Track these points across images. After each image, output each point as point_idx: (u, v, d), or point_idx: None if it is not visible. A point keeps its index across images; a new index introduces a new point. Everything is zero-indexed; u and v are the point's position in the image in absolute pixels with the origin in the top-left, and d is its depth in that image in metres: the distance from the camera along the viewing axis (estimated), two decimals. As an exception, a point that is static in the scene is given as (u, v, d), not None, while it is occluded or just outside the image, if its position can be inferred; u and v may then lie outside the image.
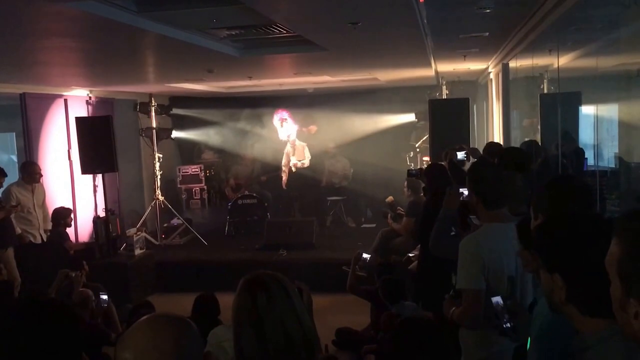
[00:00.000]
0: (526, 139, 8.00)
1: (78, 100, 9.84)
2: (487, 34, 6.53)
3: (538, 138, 8.07)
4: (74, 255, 7.85)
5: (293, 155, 11.03)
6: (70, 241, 8.51)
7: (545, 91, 8.84)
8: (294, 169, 10.93)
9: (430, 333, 3.34)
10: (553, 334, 2.07)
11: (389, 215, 8.00)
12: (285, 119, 11.30)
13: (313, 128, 11.21)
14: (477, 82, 12.35)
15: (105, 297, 6.01)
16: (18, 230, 7.54)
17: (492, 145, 6.28)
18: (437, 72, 10.04)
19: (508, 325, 2.74)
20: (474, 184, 3.27)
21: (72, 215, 8.43)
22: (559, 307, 1.72)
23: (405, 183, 7.62)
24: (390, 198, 8.44)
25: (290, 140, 11.10)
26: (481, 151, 6.15)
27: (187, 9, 4.56)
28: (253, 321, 1.99)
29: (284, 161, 11.16)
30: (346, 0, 4.29)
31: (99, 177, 9.18)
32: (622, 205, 5.81)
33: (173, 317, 1.70)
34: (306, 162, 10.88)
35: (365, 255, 5.93)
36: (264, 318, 1.98)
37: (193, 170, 11.54)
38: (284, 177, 11.15)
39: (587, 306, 1.66)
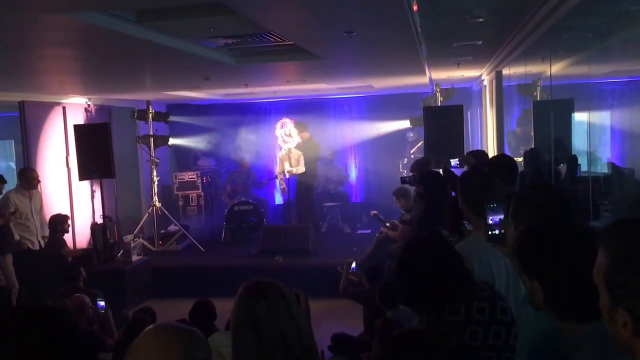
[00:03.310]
0: (532, 147, 7.99)
1: (76, 108, 9.88)
2: (481, 42, 6.57)
3: (531, 145, 8.13)
4: (72, 261, 7.87)
5: (287, 161, 11.06)
6: (68, 247, 8.53)
7: (539, 98, 8.92)
8: (287, 176, 10.96)
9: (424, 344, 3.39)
10: (541, 344, 2.10)
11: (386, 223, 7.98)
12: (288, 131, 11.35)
13: (305, 135, 11.19)
14: (471, 89, 12.42)
15: (102, 303, 6.03)
16: (17, 237, 7.56)
17: (477, 154, 6.27)
18: (431, 79, 10.11)
19: None
20: (464, 192, 3.31)
21: (69, 222, 8.45)
22: (540, 309, 1.80)
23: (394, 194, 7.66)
24: (373, 212, 8.47)
25: (287, 148, 11.14)
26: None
27: (184, 19, 4.62)
28: (252, 327, 2.01)
29: (278, 168, 11.19)
30: (341, 10, 4.35)
31: (97, 183, 9.21)
32: (614, 211, 5.86)
33: (182, 328, 1.65)
34: (300, 169, 10.93)
35: (354, 265, 6.22)
36: (262, 324, 2.01)
37: (190, 176, 11.56)
38: (282, 184, 11.18)
39: (560, 311, 1.75)
